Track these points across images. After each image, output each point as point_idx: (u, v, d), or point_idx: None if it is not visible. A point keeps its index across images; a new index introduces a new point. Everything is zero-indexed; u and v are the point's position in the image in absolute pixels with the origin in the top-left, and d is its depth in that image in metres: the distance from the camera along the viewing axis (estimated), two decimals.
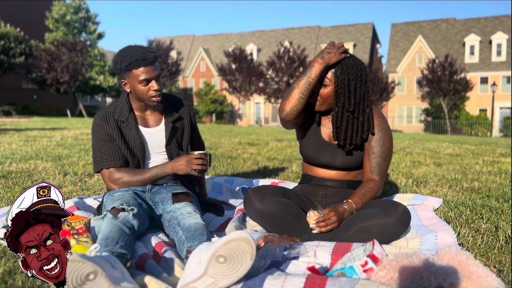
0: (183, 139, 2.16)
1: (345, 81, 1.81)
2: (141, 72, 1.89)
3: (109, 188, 2.00)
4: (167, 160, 2.08)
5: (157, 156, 2.08)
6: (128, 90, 1.98)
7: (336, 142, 1.99)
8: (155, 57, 1.93)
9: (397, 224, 1.71)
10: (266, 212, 1.83)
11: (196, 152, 1.93)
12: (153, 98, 1.95)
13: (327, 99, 1.88)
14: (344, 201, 1.83)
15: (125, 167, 1.99)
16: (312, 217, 1.73)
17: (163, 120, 2.09)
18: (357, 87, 1.83)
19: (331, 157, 1.97)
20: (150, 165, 2.05)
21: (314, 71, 1.79)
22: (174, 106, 2.15)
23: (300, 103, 1.84)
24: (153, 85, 1.92)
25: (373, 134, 1.92)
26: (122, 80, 1.97)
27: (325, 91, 1.85)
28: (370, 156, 1.92)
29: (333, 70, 1.82)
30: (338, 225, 1.75)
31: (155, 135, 2.06)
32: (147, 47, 1.95)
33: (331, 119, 1.94)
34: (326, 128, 2.02)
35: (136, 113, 2.05)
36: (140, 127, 2.04)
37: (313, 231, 1.73)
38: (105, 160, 1.96)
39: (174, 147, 2.10)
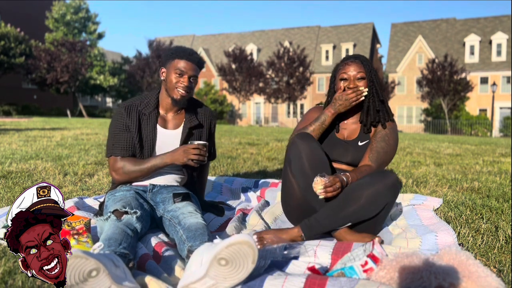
0: None
1: (372, 71, 2.00)
2: (180, 64, 1.97)
3: (111, 176, 2.02)
4: (178, 164, 2.08)
5: None
6: (163, 78, 2.05)
7: (350, 139, 2.05)
8: (201, 61, 2.03)
9: (388, 190, 1.75)
10: (316, 155, 1.87)
11: (195, 142, 1.93)
12: (179, 90, 1.99)
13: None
14: (342, 174, 1.85)
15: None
16: (319, 182, 1.73)
17: (182, 125, 2.10)
18: (376, 74, 2.02)
19: (343, 151, 2.03)
20: None
21: (328, 120, 2.01)
22: (197, 112, 2.17)
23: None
24: (185, 79, 1.98)
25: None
26: (162, 67, 2.05)
27: (363, 82, 1.99)
28: (372, 145, 1.98)
29: (361, 64, 1.99)
30: (341, 191, 1.77)
31: (169, 138, 2.06)
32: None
33: (363, 109, 2.04)
34: (342, 129, 2.09)
35: (161, 111, 2.09)
36: (158, 126, 2.06)
37: (320, 197, 1.75)
38: (116, 148, 1.99)
39: None
